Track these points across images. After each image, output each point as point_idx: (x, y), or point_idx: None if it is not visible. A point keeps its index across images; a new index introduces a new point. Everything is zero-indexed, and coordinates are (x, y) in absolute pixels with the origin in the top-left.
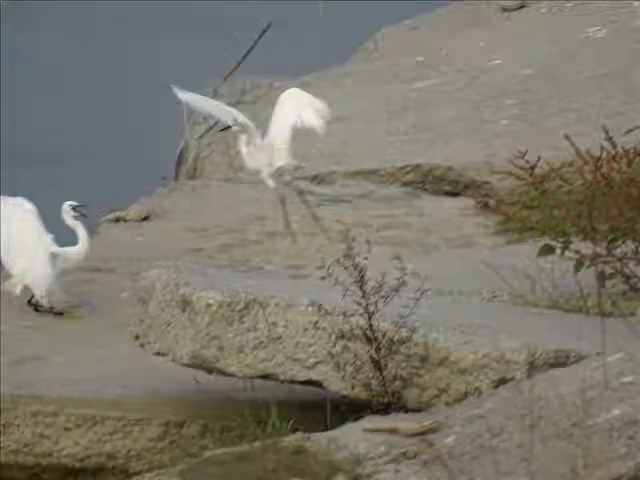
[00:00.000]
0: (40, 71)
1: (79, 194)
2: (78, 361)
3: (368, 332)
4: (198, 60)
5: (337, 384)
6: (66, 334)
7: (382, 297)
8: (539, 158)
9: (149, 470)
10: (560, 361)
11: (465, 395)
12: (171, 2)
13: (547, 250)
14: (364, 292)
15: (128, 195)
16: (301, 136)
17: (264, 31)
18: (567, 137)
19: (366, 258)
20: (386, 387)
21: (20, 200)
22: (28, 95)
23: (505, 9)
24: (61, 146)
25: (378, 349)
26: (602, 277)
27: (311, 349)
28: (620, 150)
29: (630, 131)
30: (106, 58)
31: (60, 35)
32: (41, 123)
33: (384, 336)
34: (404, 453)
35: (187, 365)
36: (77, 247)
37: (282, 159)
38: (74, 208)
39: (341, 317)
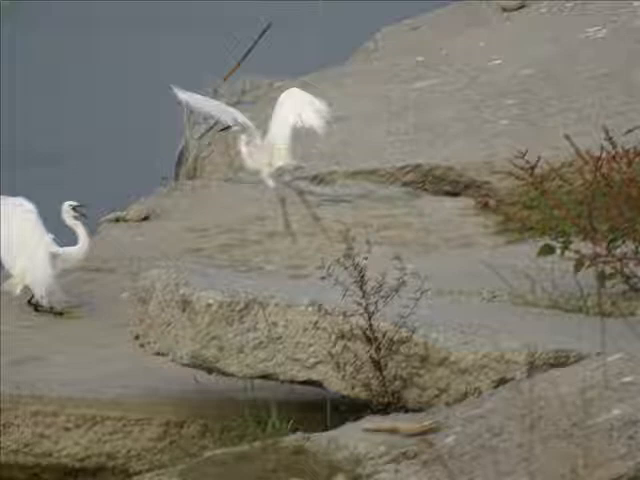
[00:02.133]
0: (40, 71)
1: (79, 194)
2: (78, 361)
3: (368, 332)
4: (198, 60)
5: (337, 384)
6: (66, 334)
7: (382, 297)
8: (539, 158)
9: (149, 470)
10: (560, 361)
11: (465, 395)
12: (171, 2)
13: (547, 250)
14: (364, 292)
15: (128, 195)
16: (301, 136)
17: (264, 31)
18: (567, 137)
19: (366, 258)
20: (386, 387)
21: (20, 200)
22: (28, 95)
23: (505, 9)
24: (61, 146)
25: (378, 349)
26: (602, 277)
27: (311, 349)
28: (620, 150)
29: (630, 131)
30: (106, 58)
31: (60, 35)
32: (41, 123)
33: (384, 336)
34: (404, 453)
35: (187, 365)
36: (77, 247)
37: (282, 159)
38: (74, 208)
39: (341, 317)
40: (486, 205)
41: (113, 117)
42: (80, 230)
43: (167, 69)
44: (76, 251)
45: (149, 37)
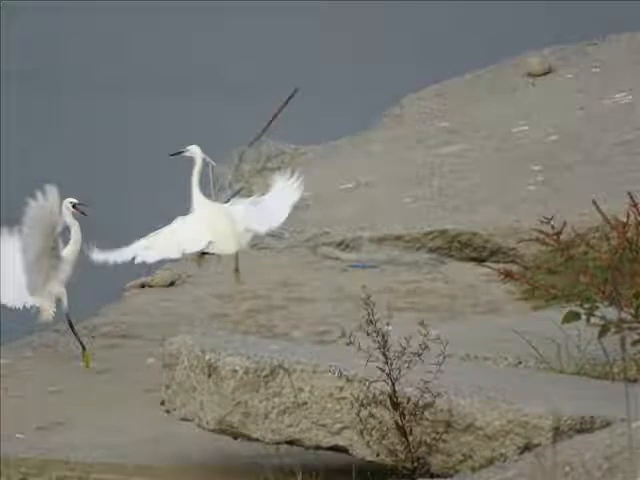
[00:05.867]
0: (40, 135)
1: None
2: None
3: (392, 398)
4: (211, 124)
5: (362, 450)
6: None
7: (406, 362)
8: (565, 224)
9: None
10: (585, 427)
11: (491, 461)
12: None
13: (572, 317)
14: (387, 358)
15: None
16: (327, 201)
17: (290, 96)
18: (594, 203)
19: (388, 324)
20: (411, 453)
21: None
22: (26, 159)
23: (531, 75)
24: None
25: (403, 415)
26: (626, 343)
27: (337, 415)
28: None
29: None
30: (107, 122)
31: (60, 99)
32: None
33: (408, 402)
34: None
35: (213, 431)
36: (67, 247)
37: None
38: (74, 205)
39: (366, 383)
40: (508, 275)
41: (114, 182)
42: (75, 229)
43: (170, 134)
44: (67, 250)
45: (151, 102)
